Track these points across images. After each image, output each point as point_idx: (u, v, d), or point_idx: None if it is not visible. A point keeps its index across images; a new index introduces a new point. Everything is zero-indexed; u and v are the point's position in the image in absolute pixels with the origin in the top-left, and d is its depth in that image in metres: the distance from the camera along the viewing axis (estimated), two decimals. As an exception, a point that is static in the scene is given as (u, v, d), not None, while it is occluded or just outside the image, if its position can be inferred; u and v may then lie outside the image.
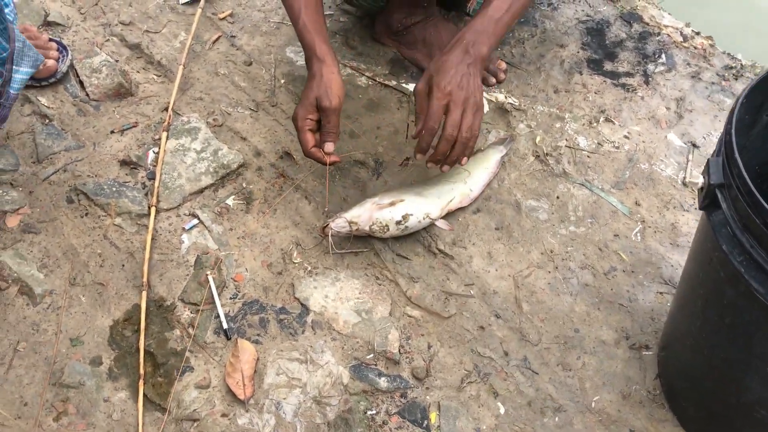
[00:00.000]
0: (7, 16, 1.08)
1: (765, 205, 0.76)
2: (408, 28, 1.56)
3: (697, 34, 1.74)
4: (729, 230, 0.82)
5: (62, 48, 1.53)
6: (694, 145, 1.45)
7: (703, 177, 0.88)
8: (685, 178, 1.39)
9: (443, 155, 1.14)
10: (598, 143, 1.45)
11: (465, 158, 1.17)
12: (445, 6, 1.66)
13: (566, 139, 1.46)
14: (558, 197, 1.36)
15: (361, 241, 1.29)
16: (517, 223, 1.32)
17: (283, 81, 1.54)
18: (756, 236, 0.78)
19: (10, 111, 1.17)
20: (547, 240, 1.30)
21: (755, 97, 0.89)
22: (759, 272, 0.78)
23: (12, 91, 1.13)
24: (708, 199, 0.86)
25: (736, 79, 1.59)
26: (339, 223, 1.18)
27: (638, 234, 1.31)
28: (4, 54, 1.09)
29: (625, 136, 1.47)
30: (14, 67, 1.11)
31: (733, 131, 0.82)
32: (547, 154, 1.42)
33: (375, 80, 1.55)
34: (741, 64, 1.63)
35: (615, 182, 1.39)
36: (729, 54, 1.66)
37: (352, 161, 1.41)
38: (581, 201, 1.36)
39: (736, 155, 0.80)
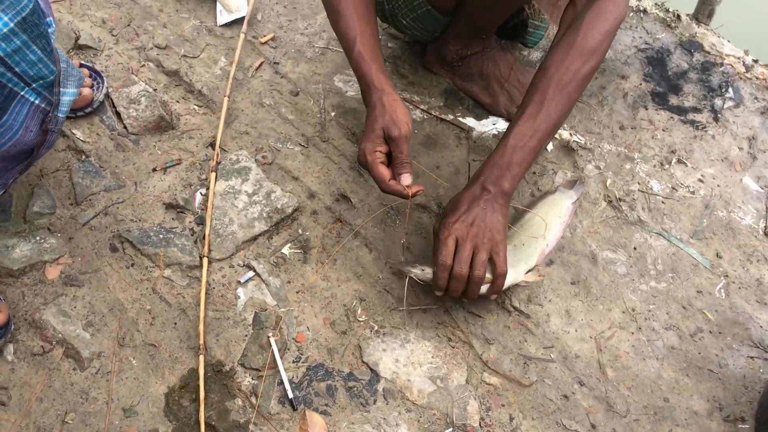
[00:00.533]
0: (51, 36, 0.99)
1: None
2: (464, 59, 1.48)
3: (756, 62, 1.68)
4: None
5: (96, 75, 1.43)
6: (772, 190, 1.39)
7: None
8: (766, 227, 1.33)
9: (456, 293, 1.09)
10: (672, 187, 1.39)
11: (494, 295, 1.10)
12: (503, 36, 1.58)
13: (638, 183, 1.39)
14: (635, 248, 1.29)
15: (431, 296, 1.21)
16: (595, 277, 1.25)
17: (333, 113, 1.46)
18: None
19: (57, 137, 1.08)
20: (627, 297, 1.23)
21: None
22: None
23: (60, 115, 1.04)
24: None
25: (808, 115, 1.54)
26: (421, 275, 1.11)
27: (722, 290, 1.25)
28: (52, 77, 1.00)
29: (700, 180, 1.41)
30: (61, 89, 1.02)
31: None
32: (619, 199, 1.36)
33: (430, 114, 1.48)
34: (805, 96, 1.58)
35: (693, 231, 1.32)
36: (790, 83, 1.60)
37: (413, 205, 1.33)
38: (660, 253, 1.29)
39: None
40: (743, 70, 1.65)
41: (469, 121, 1.48)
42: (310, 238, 1.28)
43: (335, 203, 1.33)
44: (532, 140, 1.09)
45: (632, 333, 1.20)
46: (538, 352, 1.17)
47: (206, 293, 1.20)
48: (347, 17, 1.11)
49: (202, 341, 1.14)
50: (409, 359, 1.15)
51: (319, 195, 1.34)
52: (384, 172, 1.07)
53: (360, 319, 1.19)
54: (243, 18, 1.60)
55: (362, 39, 1.13)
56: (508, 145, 1.09)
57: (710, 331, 1.20)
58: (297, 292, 1.22)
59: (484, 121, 1.48)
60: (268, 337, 1.15)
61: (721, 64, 1.64)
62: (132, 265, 1.23)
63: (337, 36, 1.16)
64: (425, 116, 1.48)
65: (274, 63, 1.55)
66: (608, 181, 1.38)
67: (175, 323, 1.18)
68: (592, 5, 1.12)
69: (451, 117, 1.48)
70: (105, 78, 1.44)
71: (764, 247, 1.31)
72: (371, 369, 1.14)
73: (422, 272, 1.10)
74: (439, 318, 1.20)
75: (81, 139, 1.38)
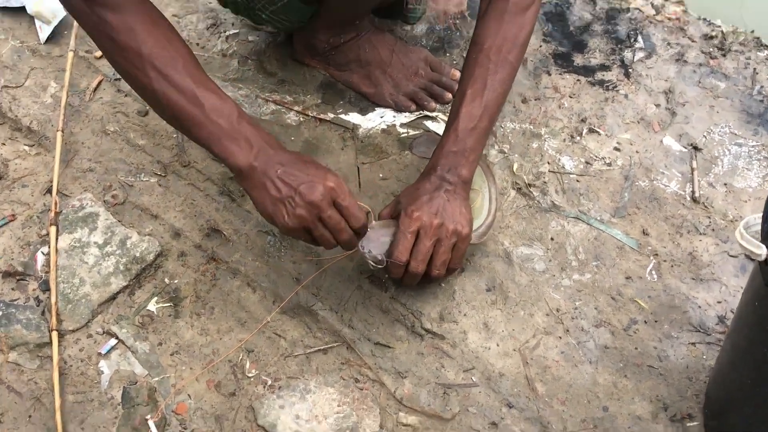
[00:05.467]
0: None
1: None
2: (337, 47, 1.43)
3: (666, 0, 1.69)
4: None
5: None
6: (696, 148, 1.40)
7: (766, 246, 0.80)
8: (693, 192, 1.34)
9: (408, 284, 1.15)
10: (586, 162, 1.38)
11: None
12: (380, 15, 1.54)
13: (548, 162, 1.38)
14: (552, 238, 1.28)
15: (329, 333, 1.17)
16: (511, 279, 1.24)
17: None
18: None
19: None
20: (549, 296, 1.22)
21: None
22: None
23: None
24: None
25: (725, 56, 1.55)
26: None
27: (653, 272, 1.25)
28: None
29: (616, 148, 1.41)
30: None
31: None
32: (529, 185, 1.34)
33: (307, 115, 1.43)
34: (722, 33, 1.59)
35: (614, 209, 1.32)
36: (705, 20, 1.62)
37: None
38: (580, 239, 1.28)
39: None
40: (653, 12, 1.66)
41: (353, 118, 1.43)
42: (180, 287, 1.22)
43: (206, 239, 1.28)
44: (483, 120, 1.11)
45: (559, 337, 1.19)
46: (458, 377, 1.14)
47: (62, 374, 1.13)
48: (179, 80, 0.94)
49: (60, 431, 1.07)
50: (311, 413, 1.11)
51: (185, 232, 1.28)
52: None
53: (249, 375, 1.15)
54: (70, 31, 1.51)
55: (224, 103, 0.97)
56: (459, 129, 1.10)
57: (645, 321, 1.20)
58: (171, 355, 1.16)
59: (370, 115, 1.45)
60: (145, 418, 1.09)
61: (628, 10, 1.64)
62: (-34, 354, 1.15)
63: (172, 114, 0.96)
64: (301, 119, 1.44)
65: (116, 79, 1.47)
66: (515, 166, 1.37)
67: (30, 416, 1.11)
68: None
69: (331, 116, 1.44)
70: None
71: (693, 215, 1.31)
72: (268, 432, 1.09)
73: (377, 257, 1.09)
74: (341, 357, 1.16)
75: None
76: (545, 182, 1.35)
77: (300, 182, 0.98)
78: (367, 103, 1.47)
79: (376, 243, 1.10)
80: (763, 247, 0.81)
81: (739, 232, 0.85)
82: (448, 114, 1.42)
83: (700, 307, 1.21)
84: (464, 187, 1.12)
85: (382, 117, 1.45)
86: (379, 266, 1.11)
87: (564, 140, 1.42)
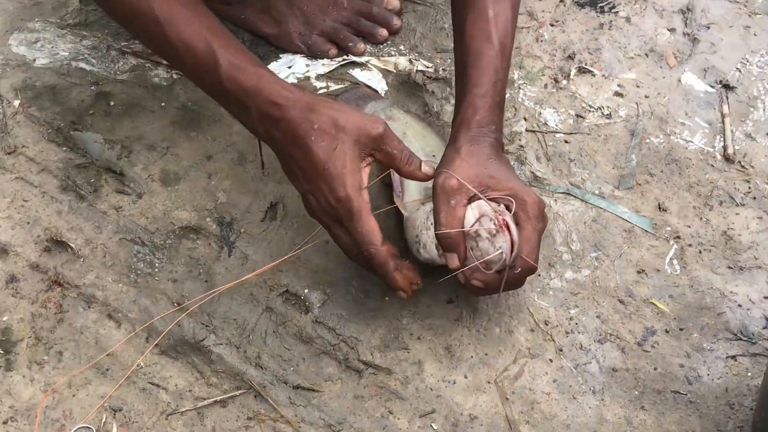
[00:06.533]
0: None
1: None
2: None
3: None
4: None
5: None
6: (727, 87, 1.45)
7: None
8: (726, 147, 1.37)
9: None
10: (577, 115, 1.42)
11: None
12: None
13: (525, 118, 1.40)
14: (536, 224, 1.30)
15: (229, 377, 1.18)
16: (481, 284, 1.25)
17: (18, 102, 1.40)
18: None
19: None
20: (535, 304, 1.25)
21: None
22: None
23: None
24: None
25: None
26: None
27: (675, 261, 1.28)
28: None
29: (617, 93, 1.44)
30: None
31: None
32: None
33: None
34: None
35: (618, 178, 1.35)
36: None
37: (177, 230, 1.29)
38: (573, 223, 1.31)
39: None
40: None
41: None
42: (11, 326, 1.22)
43: (45, 256, 1.27)
44: (502, 70, 1.21)
45: (550, 360, 1.21)
46: (413, 425, 1.16)
47: None
48: (176, 19, 1.10)
49: None
50: (208, 491, 1.11)
51: (14, 248, 1.27)
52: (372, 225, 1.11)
53: (118, 443, 1.14)
54: None
55: (221, 41, 1.11)
56: (485, 79, 1.19)
57: (667, 331, 1.23)
58: (4, 423, 1.15)
59: (273, 65, 1.46)
60: None
61: None
62: None
63: (170, 53, 1.13)
64: (174, 75, 1.45)
65: None
66: (480, 125, 1.38)
67: None
68: None
69: (218, 69, 1.43)
70: None
71: (727, 180, 1.35)
72: None
73: (502, 259, 1.10)
74: (247, 409, 1.17)
75: None
76: (522, 146, 1.38)
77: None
78: (268, 48, 1.48)
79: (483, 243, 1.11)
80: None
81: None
82: (381, 60, 1.43)
83: (740, 306, 1.24)
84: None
85: (290, 67, 1.46)
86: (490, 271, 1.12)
87: (545, 86, 1.44)
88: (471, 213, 1.09)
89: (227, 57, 1.08)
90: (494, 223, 1.07)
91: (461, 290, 1.23)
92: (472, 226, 1.08)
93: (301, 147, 1.07)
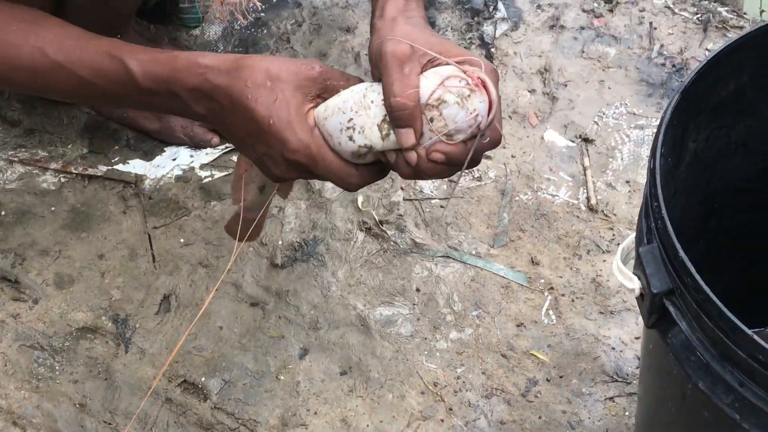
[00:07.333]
0: None
1: (740, 325, 0.77)
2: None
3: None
4: (700, 358, 0.84)
5: None
6: (586, 140, 1.50)
7: (638, 277, 0.89)
8: (588, 198, 1.43)
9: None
10: (451, 180, 1.46)
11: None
12: (149, 19, 1.57)
13: (402, 188, 1.45)
14: (419, 289, 1.36)
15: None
16: (372, 353, 1.30)
17: None
18: (743, 369, 0.80)
19: None
20: (423, 367, 1.29)
21: (675, 130, 0.92)
22: (761, 418, 0.80)
23: None
24: (655, 315, 0.87)
25: (612, 12, 1.67)
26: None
27: (551, 312, 1.34)
28: None
29: (486, 155, 1.49)
30: None
31: (664, 212, 0.83)
32: (381, 221, 1.41)
33: (70, 172, 1.46)
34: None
35: (493, 237, 1.40)
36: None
37: (74, 332, 1.31)
38: (454, 284, 1.36)
39: (682, 255, 0.81)
40: (515, -34, 1.76)
41: (135, 167, 1.48)
42: None
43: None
44: None
45: (441, 420, 1.25)
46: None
47: None
48: (74, 53, 1.02)
49: None
50: None
51: None
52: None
53: None
54: None
55: (124, 49, 1.01)
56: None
57: (548, 379, 1.28)
58: None
59: (158, 160, 1.49)
60: None
61: (484, -33, 1.74)
62: None
63: (79, 89, 1.04)
64: (62, 179, 1.46)
65: None
66: (360, 200, 1.43)
67: None
68: None
69: (104, 168, 1.47)
70: None
71: (592, 229, 1.41)
72: None
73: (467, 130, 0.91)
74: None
75: None
76: (401, 215, 1.42)
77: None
78: (152, 143, 1.51)
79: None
80: (635, 279, 0.89)
81: (616, 263, 0.93)
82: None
83: (614, 348, 1.30)
84: None
85: (174, 159, 1.49)
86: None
87: (419, 155, 1.48)
88: (427, 82, 0.91)
89: (135, 58, 0.99)
90: (466, 83, 0.89)
91: (354, 360, 1.27)
92: (432, 93, 0.90)
93: (240, 109, 0.95)
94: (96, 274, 1.37)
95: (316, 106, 0.96)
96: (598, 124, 1.53)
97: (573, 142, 1.51)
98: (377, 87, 0.93)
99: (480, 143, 0.92)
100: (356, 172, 0.96)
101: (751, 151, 1.05)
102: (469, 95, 0.89)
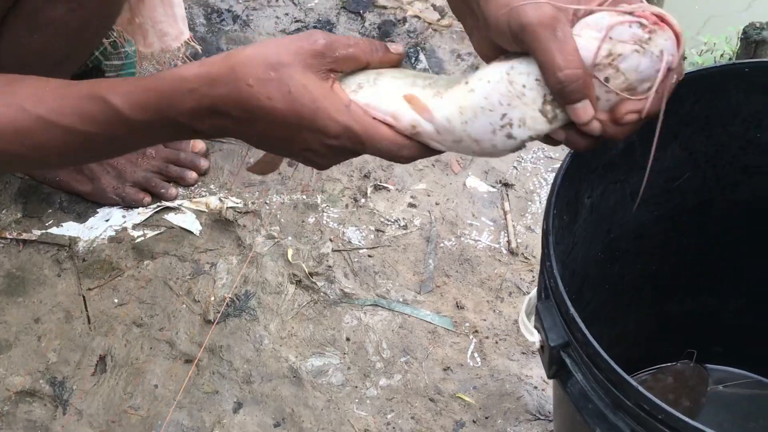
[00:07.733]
0: None
1: (624, 376, 0.83)
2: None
3: None
4: (596, 406, 0.89)
5: None
6: (506, 185, 1.56)
7: (538, 331, 0.94)
8: (509, 242, 1.49)
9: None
10: (377, 230, 1.51)
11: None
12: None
13: (331, 239, 1.49)
14: (349, 338, 1.40)
15: None
16: (304, 403, 1.33)
17: None
18: (632, 416, 0.85)
19: None
20: (354, 415, 1.33)
21: (568, 191, 0.97)
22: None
23: None
24: (555, 366, 0.92)
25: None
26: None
27: (476, 354, 1.38)
28: None
29: (411, 204, 1.54)
30: None
31: (556, 272, 0.88)
32: (311, 273, 1.45)
33: (4, 238, 1.48)
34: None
35: (419, 284, 1.45)
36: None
37: (12, 396, 1.33)
38: (382, 332, 1.40)
39: (572, 311, 0.86)
40: (436, 17, 1.83)
41: (69, 229, 1.50)
42: None
43: None
44: None
45: (374, 467, 1.28)
46: None
47: None
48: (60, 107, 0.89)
49: None
50: None
51: None
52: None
53: None
54: None
55: (105, 87, 0.89)
56: None
57: (474, 421, 1.32)
58: None
59: (91, 221, 1.52)
60: None
61: (405, 20, 1.80)
62: None
63: (71, 146, 0.92)
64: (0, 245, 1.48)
65: None
66: (290, 253, 1.47)
67: None
68: None
69: (38, 233, 1.49)
70: None
71: (513, 272, 1.46)
72: None
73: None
74: None
75: None
76: (330, 266, 1.46)
77: None
78: (85, 204, 1.54)
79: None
80: (536, 333, 0.94)
81: (521, 317, 0.98)
82: (193, 202, 1.50)
83: (536, 387, 1.35)
84: None
85: (107, 220, 1.52)
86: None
87: (346, 206, 1.54)
88: (584, 41, 0.78)
89: (116, 92, 0.87)
90: (640, 25, 0.77)
91: (287, 411, 1.31)
92: (598, 51, 0.78)
93: (257, 115, 0.84)
94: (33, 338, 1.39)
95: (335, 80, 0.85)
96: (517, 169, 1.58)
97: (494, 187, 1.57)
98: (520, 66, 0.79)
99: (675, 82, 0.81)
100: (409, 143, 0.85)
101: (645, 201, 1.11)
102: (649, 37, 0.78)
